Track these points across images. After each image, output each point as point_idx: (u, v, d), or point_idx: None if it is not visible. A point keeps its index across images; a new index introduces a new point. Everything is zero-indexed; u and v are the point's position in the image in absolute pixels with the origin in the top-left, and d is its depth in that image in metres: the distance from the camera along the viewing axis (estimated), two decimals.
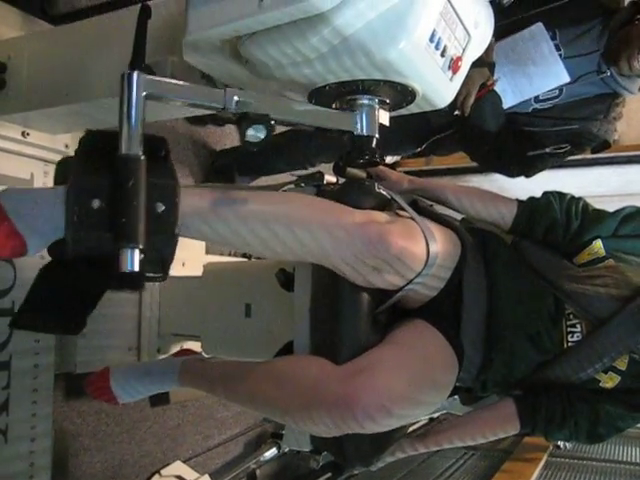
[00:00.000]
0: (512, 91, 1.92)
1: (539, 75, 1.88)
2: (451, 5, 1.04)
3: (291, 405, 1.17)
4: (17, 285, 1.63)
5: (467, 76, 1.77)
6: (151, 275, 1.09)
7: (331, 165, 1.36)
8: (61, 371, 1.80)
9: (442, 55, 1.08)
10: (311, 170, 2.28)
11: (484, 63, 1.82)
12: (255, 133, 1.04)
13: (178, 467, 2.18)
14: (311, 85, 1.11)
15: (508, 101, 1.92)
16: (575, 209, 1.39)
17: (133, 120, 1.00)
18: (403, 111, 1.22)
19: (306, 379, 1.18)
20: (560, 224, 1.37)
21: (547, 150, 1.92)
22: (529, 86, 1.90)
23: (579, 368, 1.31)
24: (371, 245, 1.13)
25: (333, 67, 1.03)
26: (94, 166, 1.04)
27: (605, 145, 1.95)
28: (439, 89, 1.15)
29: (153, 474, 2.09)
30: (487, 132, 1.91)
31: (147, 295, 2.03)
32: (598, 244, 1.34)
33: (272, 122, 1.05)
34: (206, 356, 1.63)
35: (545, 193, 1.43)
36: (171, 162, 1.12)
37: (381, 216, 1.21)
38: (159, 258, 1.08)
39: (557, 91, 1.90)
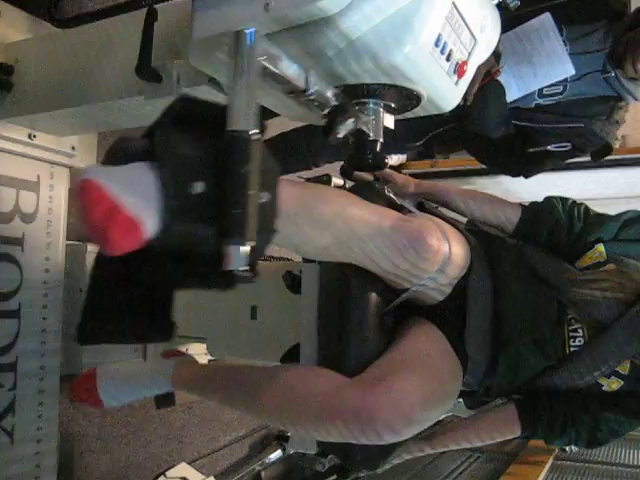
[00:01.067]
0: (516, 83, 1.90)
1: (544, 66, 1.86)
2: (457, 9, 1.04)
3: (301, 415, 1.16)
4: (23, 286, 1.63)
5: None
6: (242, 275, 0.91)
7: (336, 167, 1.37)
8: (67, 373, 1.80)
9: (447, 59, 1.08)
10: (315, 171, 2.28)
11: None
12: (345, 126, 0.97)
13: (183, 469, 2.18)
14: None
15: (512, 94, 1.90)
16: (577, 212, 1.39)
17: (249, 88, 0.85)
18: (409, 114, 1.22)
19: (317, 389, 1.16)
20: (563, 227, 1.38)
21: (548, 148, 1.91)
22: (534, 78, 1.88)
23: (582, 373, 1.31)
24: (413, 239, 1.13)
25: (338, 70, 1.02)
26: (189, 140, 0.89)
27: (606, 149, 1.93)
28: (444, 93, 1.15)
29: (158, 475, 2.08)
30: (489, 123, 1.90)
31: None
32: (600, 248, 1.35)
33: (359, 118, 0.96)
34: (198, 359, 1.59)
35: (548, 197, 1.44)
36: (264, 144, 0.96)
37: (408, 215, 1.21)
38: (256, 256, 0.92)
39: (561, 87, 1.89)
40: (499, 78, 1.86)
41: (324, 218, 1.08)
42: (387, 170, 1.45)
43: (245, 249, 0.86)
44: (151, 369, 1.53)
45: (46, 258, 1.70)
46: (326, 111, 0.98)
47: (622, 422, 1.36)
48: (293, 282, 1.44)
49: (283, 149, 2.31)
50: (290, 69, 0.96)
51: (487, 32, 1.15)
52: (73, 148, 1.74)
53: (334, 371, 1.20)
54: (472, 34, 1.10)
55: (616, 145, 1.95)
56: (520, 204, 1.43)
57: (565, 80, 1.88)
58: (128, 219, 0.86)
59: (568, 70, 1.85)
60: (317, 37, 0.98)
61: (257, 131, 0.85)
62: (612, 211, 1.43)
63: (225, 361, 1.44)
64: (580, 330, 1.31)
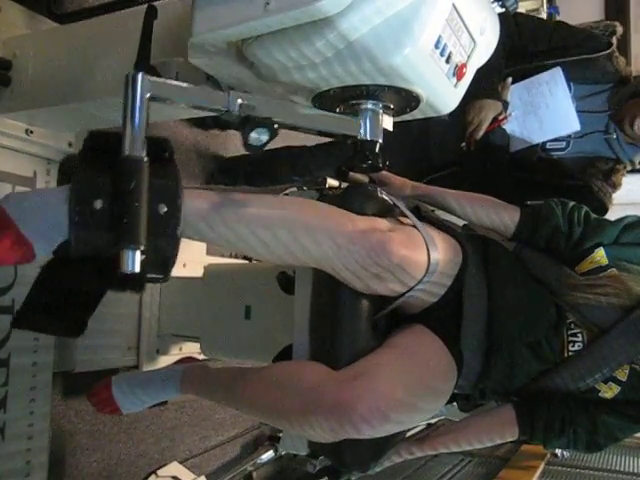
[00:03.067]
0: (521, 133, 1.92)
1: (550, 120, 1.89)
2: (457, 12, 1.04)
3: (288, 410, 1.17)
4: (17, 283, 1.63)
5: (481, 106, 1.81)
6: (153, 276, 1.09)
7: None
8: (60, 370, 1.80)
9: (447, 62, 1.08)
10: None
11: (499, 97, 1.83)
12: (258, 136, 1.04)
13: (175, 468, 2.18)
14: (315, 89, 1.10)
15: (516, 144, 1.93)
16: (577, 217, 1.39)
17: (136, 121, 0.99)
18: (407, 116, 1.22)
19: (302, 384, 1.17)
20: (563, 231, 1.37)
21: (549, 199, 1.92)
22: (539, 130, 1.91)
23: (579, 378, 1.31)
24: (373, 253, 1.13)
25: (338, 71, 1.03)
26: (97, 166, 1.04)
27: (602, 209, 1.95)
28: (443, 95, 1.15)
29: (150, 474, 2.09)
30: (490, 169, 1.92)
31: (147, 295, 2.03)
32: (600, 252, 1.34)
33: (275, 125, 1.05)
34: (208, 362, 1.62)
35: (547, 201, 1.43)
36: (175, 163, 1.12)
37: (383, 223, 1.20)
38: (161, 259, 1.07)
39: (564, 143, 1.92)
40: (505, 126, 1.88)
41: (253, 225, 1.15)
42: (383, 172, 1.45)
43: (137, 253, 0.99)
44: (161, 376, 1.58)
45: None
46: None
47: (621, 426, 1.36)
48: (287, 283, 1.44)
49: (284, 161, 2.32)
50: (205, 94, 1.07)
51: (486, 35, 1.15)
52: (70, 144, 1.73)
53: (325, 366, 1.21)
54: (472, 37, 1.11)
55: (610, 205, 1.97)
56: (519, 207, 1.43)
57: (569, 136, 1.91)
58: (16, 237, 1.04)
59: (574, 126, 1.88)
60: (316, 38, 0.99)
61: (143, 155, 1.00)
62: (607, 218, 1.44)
63: (231, 364, 1.47)
64: (579, 335, 1.30)
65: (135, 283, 1.11)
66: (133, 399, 1.58)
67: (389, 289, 1.19)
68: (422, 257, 1.17)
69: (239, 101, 1.04)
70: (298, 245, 1.14)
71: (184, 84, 1.06)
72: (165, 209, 1.05)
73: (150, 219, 1.01)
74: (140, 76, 1.00)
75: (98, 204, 1.02)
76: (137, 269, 0.99)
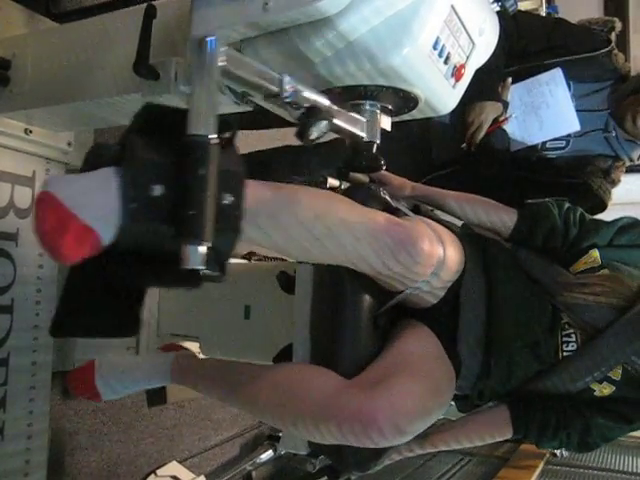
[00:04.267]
0: (521, 133, 1.93)
1: (551, 120, 1.89)
2: (456, 13, 1.04)
3: (297, 414, 1.15)
4: (17, 282, 1.63)
5: (481, 108, 1.81)
6: (210, 274, 0.96)
7: None
8: (59, 369, 1.80)
9: (445, 62, 1.08)
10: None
11: (499, 99, 1.83)
12: (319, 129, 0.98)
13: (174, 467, 2.18)
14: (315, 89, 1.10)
15: (516, 144, 1.94)
16: (573, 218, 1.40)
17: (208, 94, 0.89)
18: (406, 117, 1.22)
19: (315, 389, 1.16)
20: (559, 232, 1.38)
21: (546, 200, 1.93)
22: (539, 130, 1.91)
23: (574, 378, 1.31)
24: (400, 245, 1.12)
25: (337, 71, 1.03)
26: (155, 145, 0.92)
27: (601, 206, 1.95)
28: (442, 96, 1.15)
29: (149, 474, 2.09)
30: (489, 170, 1.92)
31: (146, 295, 2.03)
32: (595, 253, 1.35)
33: (333, 119, 0.99)
34: (199, 355, 1.60)
35: (544, 201, 1.44)
36: (236, 147, 1.01)
37: (402, 218, 1.20)
38: (219, 255, 0.97)
39: (564, 142, 1.92)
40: (505, 127, 1.89)
41: (303, 220, 1.08)
42: (383, 172, 1.45)
43: (202, 249, 0.89)
44: (150, 362, 1.52)
45: (40, 254, 1.69)
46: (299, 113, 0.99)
47: (613, 427, 1.36)
48: (287, 282, 1.44)
49: (284, 160, 2.31)
50: (260, 73, 0.98)
51: (485, 36, 1.15)
52: (69, 144, 1.73)
53: (333, 371, 1.20)
54: (470, 38, 1.11)
55: (610, 201, 1.97)
56: (516, 209, 1.44)
57: (569, 135, 1.91)
58: (80, 229, 0.90)
59: (574, 126, 1.89)
60: (315, 38, 0.99)
61: (215, 136, 0.88)
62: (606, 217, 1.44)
63: (232, 362, 1.42)
64: (573, 335, 1.31)
65: (191, 280, 0.96)
66: (117, 387, 1.52)
67: (399, 278, 1.19)
68: (434, 249, 1.17)
69: (289, 86, 0.97)
70: (342, 241, 1.10)
71: (251, 60, 0.98)
72: (230, 199, 0.95)
73: (216, 210, 0.90)
74: (213, 40, 0.89)
75: (157, 190, 0.90)
76: (202, 266, 0.89)
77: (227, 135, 0.98)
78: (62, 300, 1.12)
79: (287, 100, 0.97)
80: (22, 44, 1.52)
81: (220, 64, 0.90)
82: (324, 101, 1.03)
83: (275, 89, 0.96)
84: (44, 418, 1.71)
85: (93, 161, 1.01)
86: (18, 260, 1.63)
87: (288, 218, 1.07)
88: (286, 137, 2.20)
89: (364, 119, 1.12)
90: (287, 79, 0.97)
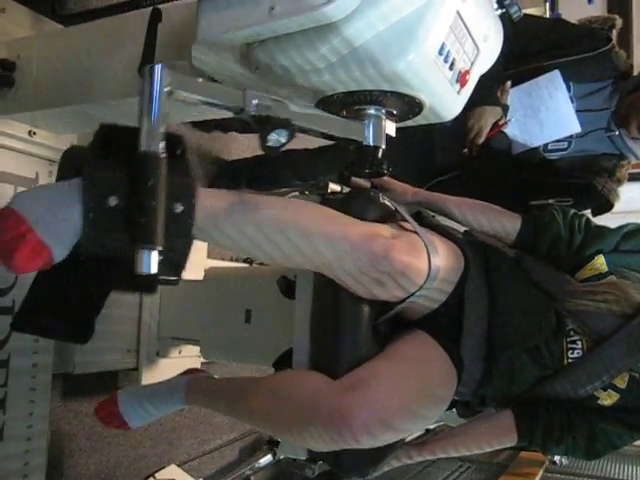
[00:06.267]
0: (522, 137, 1.93)
1: (551, 122, 1.90)
2: (461, 19, 1.04)
3: (285, 421, 1.17)
4: (18, 284, 1.62)
5: (480, 112, 1.81)
6: (165, 278, 1.05)
7: None
8: (59, 371, 1.79)
9: (450, 68, 1.08)
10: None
11: (498, 103, 1.83)
12: (277, 137, 1.01)
13: (173, 471, 2.18)
14: (319, 94, 1.10)
15: (517, 147, 1.94)
16: (578, 224, 1.39)
17: (155, 115, 0.96)
18: (410, 122, 1.22)
19: (301, 394, 1.17)
20: (564, 239, 1.38)
21: (549, 201, 1.92)
22: (540, 133, 1.92)
23: (578, 385, 1.31)
24: (375, 259, 1.12)
25: (342, 77, 1.03)
26: (111, 161, 1.01)
27: (607, 206, 1.95)
28: (446, 102, 1.15)
29: (148, 477, 2.08)
30: (492, 174, 1.93)
31: (147, 298, 2.03)
32: (600, 260, 1.35)
33: (294, 127, 1.02)
34: (212, 374, 1.61)
35: (549, 208, 1.44)
36: (188, 160, 1.09)
37: (385, 229, 1.20)
38: (174, 260, 1.05)
39: (566, 143, 1.92)
40: (506, 130, 1.89)
41: (265, 228, 1.12)
42: (385, 177, 1.45)
43: (154, 254, 0.96)
44: (166, 387, 1.58)
45: None
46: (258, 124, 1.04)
47: (620, 434, 1.36)
48: (287, 287, 1.44)
49: (286, 165, 2.31)
50: (218, 92, 1.04)
51: (490, 42, 1.15)
52: None
53: (324, 375, 1.21)
54: (475, 44, 1.11)
55: (616, 200, 1.97)
56: (520, 215, 1.43)
57: (570, 136, 1.91)
58: (35, 244, 0.99)
59: (574, 128, 1.89)
60: (320, 43, 0.99)
61: (162, 151, 0.97)
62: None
63: (235, 373, 1.47)
64: (579, 342, 1.30)
65: (147, 285, 1.06)
66: (141, 412, 1.58)
67: (390, 295, 1.19)
68: (423, 263, 1.17)
69: (255, 101, 1.01)
70: (301, 248, 1.13)
71: (201, 80, 1.04)
72: (181, 208, 1.02)
73: (165, 218, 0.98)
74: (159, 68, 0.97)
75: (112, 201, 0.98)
76: (154, 270, 0.96)
77: (179, 150, 1.08)
78: (27, 297, 1.21)
79: (252, 114, 1.02)
80: (27, 46, 1.53)
81: (166, 89, 0.98)
82: (302, 111, 1.08)
83: (237, 106, 1.02)
84: (44, 420, 1.70)
85: (65, 168, 1.15)
86: None
87: (246, 226, 1.12)
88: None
89: (366, 124, 1.13)
90: (251, 93, 1.02)
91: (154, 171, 0.96)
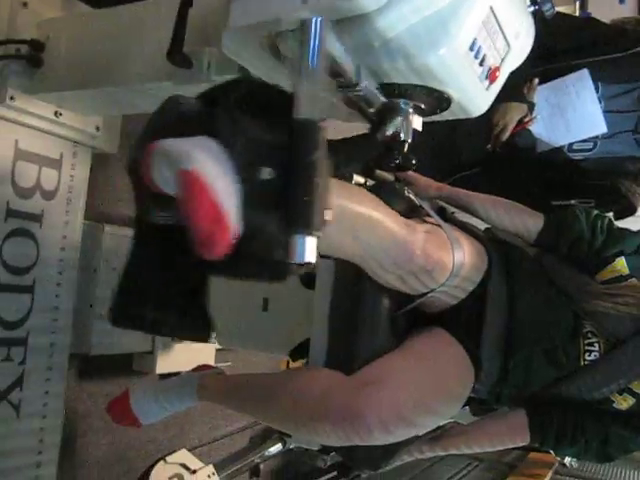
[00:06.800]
0: (547, 135, 1.91)
1: (577, 121, 1.87)
2: (494, 15, 1.03)
3: (301, 418, 1.16)
4: (39, 263, 1.64)
5: (506, 109, 1.79)
6: (294, 264, 0.85)
7: None
8: (76, 351, 1.81)
9: (481, 64, 1.07)
10: None
11: (524, 100, 1.82)
12: (394, 125, 0.96)
13: (183, 455, 2.19)
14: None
15: (541, 145, 1.92)
16: (600, 225, 1.38)
17: (317, 73, 0.85)
18: (436, 117, 1.22)
19: (314, 391, 1.17)
20: (585, 238, 1.37)
21: (572, 202, 1.91)
22: (565, 132, 1.89)
23: (594, 387, 1.30)
24: (412, 253, 1.13)
25: (372, 69, 1.02)
26: (262, 124, 0.87)
27: (630, 209, 1.93)
28: (475, 98, 1.14)
29: (158, 460, 2.09)
30: (514, 171, 1.91)
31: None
32: (621, 262, 1.33)
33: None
34: (223, 370, 1.61)
35: (571, 208, 1.43)
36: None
37: (420, 226, 1.20)
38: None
39: (591, 144, 1.89)
40: (530, 128, 1.87)
41: (352, 217, 1.08)
42: (410, 172, 1.44)
43: (312, 240, 0.82)
44: (178, 384, 1.56)
45: (63, 236, 1.71)
46: (374, 109, 0.97)
47: (634, 439, 1.35)
48: (307, 277, 1.44)
49: None
50: (345, 61, 0.94)
51: (521, 39, 1.14)
52: (97, 128, 1.74)
53: (342, 368, 1.20)
54: (507, 40, 1.10)
55: None
56: (542, 214, 1.43)
57: (596, 137, 1.88)
58: (230, 225, 0.83)
59: (600, 128, 1.86)
60: (351, 34, 0.98)
61: (320, 120, 0.84)
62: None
63: (247, 374, 1.46)
64: (596, 344, 1.30)
65: (278, 272, 0.89)
66: (153, 408, 1.56)
67: (411, 288, 1.19)
68: (447, 259, 1.17)
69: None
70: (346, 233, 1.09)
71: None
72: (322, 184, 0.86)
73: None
74: (319, 20, 0.86)
75: (266, 173, 0.84)
76: (311, 259, 0.82)
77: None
78: (123, 285, 1.06)
79: (360, 93, 0.94)
80: (57, 27, 1.54)
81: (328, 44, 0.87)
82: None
83: (353, 79, 0.93)
84: (59, 399, 1.72)
85: (169, 117, 0.95)
86: (41, 241, 1.65)
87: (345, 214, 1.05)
88: None
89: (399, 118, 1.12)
90: (363, 72, 0.94)
91: (318, 142, 0.83)
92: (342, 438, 1.11)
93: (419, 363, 1.19)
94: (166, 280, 1.02)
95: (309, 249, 0.82)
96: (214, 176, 0.83)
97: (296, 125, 0.82)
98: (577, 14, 3.33)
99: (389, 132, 0.97)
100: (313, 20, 0.86)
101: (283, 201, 0.82)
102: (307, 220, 0.81)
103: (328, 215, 0.85)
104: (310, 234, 0.82)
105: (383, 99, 0.95)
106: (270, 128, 0.85)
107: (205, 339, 1.16)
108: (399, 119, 0.96)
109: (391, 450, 1.27)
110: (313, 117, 0.83)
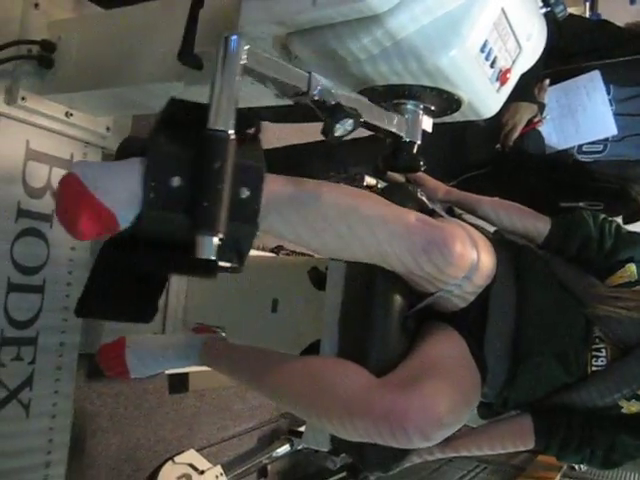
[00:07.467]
0: (557, 136, 1.90)
1: (587, 123, 1.86)
2: (505, 16, 1.03)
3: (326, 407, 1.14)
4: (49, 263, 1.64)
5: (516, 108, 1.79)
6: (226, 265, 1.02)
7: None
8: (85, 351, 1.81)
9: (491, 66, 1.07)
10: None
11: (535, 100, 1.81)
12: (343, 126, 0.98)
13: (191, 455, 2.19)
14: (358, 86, 1.10)
15: (551, 146, 1.91)
16: (609, 228, 1.38)
17: (228, 91, 0.91)
18: (447, 119, 1.21)
19: (346, 386, 1.14)
20: (594, 240, 1.37)
21: (580, 204, 1.90)
22: (575, 133, 1.88)
23: (602, 394, 1.29)
24: (430, 245, 1.12)
25: (382, 69, 1.02)
26: (178, 139, 0.97)
27: (638, 214, 1.92)
28: (485, 99, 1.14)
29: (166, 460, 2.10)
30: (523, 172, 1.91)
31: (175, 282, 2.04)
32: (631, 268, 1.33)
33: (360, 117, 0.99)
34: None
35: (579, 210, 1.44)
36: (260, 142, 1.06)
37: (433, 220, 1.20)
38: (236, 247, 1.02)
39: (601, 146, 1.89)
40: (540, 129, 1.86)
41: (326, 216, 1.11)
42: (419, 173, 1.44)
43: (214, 240, 0.93)
44: (181, 341, 1.50)
45: (72, 248, 1.72)
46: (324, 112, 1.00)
47: (639, 446, 1.34)
48: (318, 278, 1.44)
49: (318, 155, 2.30)
50: (286, 71, 0.99)
51: (533, 41, 1.14)
52: (108, 129, 1.74)
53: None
54: (518, 42, 1.10)
55: None
56: (549, 213, 1.43)
57: (606, 139, 1.87)
58: (97, 208, 0.98)
59: (610, 130, 1.85)
60: (362, 35, 0.98)
61: (232, 131, 0.92)
62: None
63: (260, 348, 1.40)
64: (604, 350, 1.29)
65: (207, 270, 1.03)
66: (149, 363, 1.48)
67: (429, 280, 1.19)
68: (470, 254, 1.17)
69: (319, 86, 0.98)
70: (358, 236, 1.12)
71: (275, 58, 0.99)
72: (247, 193, 0.99)
73: (230, 203, 0.94)
74: (236, 38, 0.91)
75: (176, 182, 0.95)
76: (213, 256, 0.93)
77: (251, 131, 1.04)
78: (89, 281, 1.21)
79: (315, 98, 0.98)
80: (68, 28, 1.54)
81: (242, 62, 0.93)
82: (354, 98, 1.04)
83: (303, 87, 0.98)
84: (69, 398, 1.72)
85: (123, 152, 1.08)
86: (52, 241, 1.65)
87: (310, 214, 1.10)
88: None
89: (404, 119, 1.12)
90: (316, 77, 0.98)
91: (221, 152, 0.92)
92: (374, 436, 1.10)
93: (446, 367, 1.18)
94: (123, 277, 1.18)
95: (213, 248, 0.93)
96: (90, 174, 1.00)
97: (204, 136, 0.92)
98: (587, 15, 3.33)
99: (338, 134, 0.99)
100: (231, 38, 0.92)
101: (191, 206, 0.94)
102: (208, 223, 0.92)
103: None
104: (212, 235, 0.93)
105: (333, 102, 0.99)
106: (186, 142, 0.96)
107: (147, 322, 1.29)
108: (350, 121, 0.98)
109: (402, 452, 1.27)
110: (222, 129, 0.91)
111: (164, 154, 0.97)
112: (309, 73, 0.98)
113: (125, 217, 1.00)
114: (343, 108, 0.98)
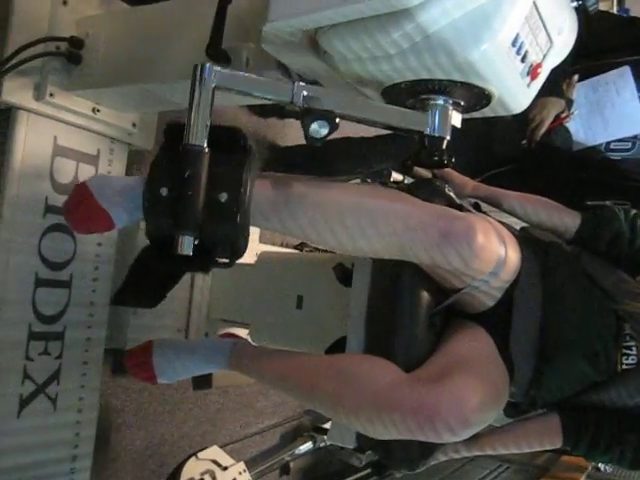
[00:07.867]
0: (584, 132, 1.88)
1: (616, 120, 1.84)
2: (537, 10, 1.02)
3: (359, 404, 1.13)
4: (76, 258, 1.65)
5: (543, 104, 1.77)
6: (220, 260, 1.16)
7: None
8: (111, 346, 1.82)
9: (522, 60, 1.06)
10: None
11: (563, 96, 1.79)
12: (318, 128, 1.06)
13: (215, 452, 2.20)
14: (387, 81, 1.10)
15: (578, 143, 1.89)
16: None
17: (200, 111, 1.05)
18: (476, 114, 1.20)
19: (376, 379, 1.14)
20: (625, 237, 1.35)
21: (607, 203, 1.88)
22: (603, 130, 1.86)
23: (633, 394, 1.28)
24: (453, 238, 1.11)
25: (412, 64, 1.02)
26: (169, 156, 1.12)
27: None
28: (516, 94, 1.13)
29: (190, 456, 2.10)
30: (549, 169, 1.89)
31: (199, 279, 2.05)
32: None
33: (336, 118, 1.06)
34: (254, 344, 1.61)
35: (609, 205, 1.42)
36: (245, 152, 1.17)
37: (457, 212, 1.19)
38: (229, 245, 1.14)
39: (630, 144, 1.86)
40: (568, 125, 1.84)
41: (326, 216, 1.16)
42: (446, 169, 1.43)
43: (189, 238, 1.09)
44: (209, 345, 1.50)
45: (97, 243, 1.73)
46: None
47: None
48: (344, 275, 1.43)
49: (341, 152, 2.30)
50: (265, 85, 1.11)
51: (564, 35, 1.13)
52: (134, 125, 1.75)
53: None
54: (549, 36, 1.09)
55: None
56: (580, 212, 1.41)
57: (635, 137, 1.85)
58: (94, 207, 1.18)
59: (639, 128, 1.82)
60: (393, 29, 0.98)
61: (204, 144, 1.07)
62: None
63: (288, 351, 1.43)
64: (634, 348, 1.27)
65: (202, 265, 1.18)
66: (177, 366, 1.47)
67: (457, 278, 1.19)
68: (499, 249, 1.16)
69: (304, 93, 1.06)
70: (363, 231, 1.14)
71: (251, 75, 1.10)
72: (226, 197, 1.10)
73: (209, 206, 1.08)
74: (208, 67, 1.05)
75: (164, 192, 1.10)
76: (189, 253, 1.09)
77: (239, 143, 1.17)
78: (124, 280, 1.44)
79: (300, 106, 1.06)
80: (96, 25, 1.55)
81: (213, 85, 1.06)
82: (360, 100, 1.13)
83: (286, 99, 1.07)
84: (95, 393, 1.74)
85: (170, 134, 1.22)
86: (79, 237, 1.66)
87: (310, 214, 1.16)
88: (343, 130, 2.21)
89: (432, 114, 1.11)
90: (300, 86, 1.06)
91: (191, 163, 1.07)
92: (403, 432, 1.09)
93: (475, 364, 1.16)
94: (149, 275, 1.41)
95: (189, 245, 1.09)
96: (97, 184, 1.21)
97: (180, 151, 1.08)
98: (615, 10, 3.29)
99: (316, 135, 1.07)
100: (205, 67, 1.05)
101: (173, 211, 1.10)
102: (183, 224, 1.09)
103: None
104: (186, 234, 1.08)
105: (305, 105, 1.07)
106: (176, 157, 1.10)
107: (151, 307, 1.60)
108: (321, 121, 1.06)
109: (428, 449, 1.26)
110: (192, 143, 1.06)
111: (155, 169, 1.13)
112: (294, 83, 1.07)
113: (120, 218, 1.20)
114: (315, 110, 1.05)
